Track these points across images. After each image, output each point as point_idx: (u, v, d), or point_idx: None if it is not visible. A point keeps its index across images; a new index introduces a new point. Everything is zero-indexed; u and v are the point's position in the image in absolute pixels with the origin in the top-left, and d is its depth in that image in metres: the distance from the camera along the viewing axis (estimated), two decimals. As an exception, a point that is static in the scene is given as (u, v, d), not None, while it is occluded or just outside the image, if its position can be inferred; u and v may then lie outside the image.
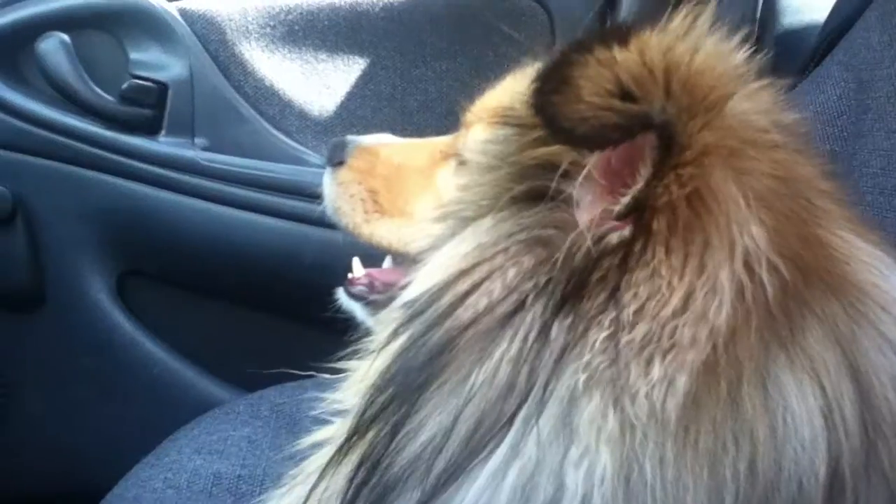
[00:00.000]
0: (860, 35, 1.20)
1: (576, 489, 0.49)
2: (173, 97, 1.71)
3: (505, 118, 0.62)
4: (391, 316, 0.64)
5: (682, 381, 0.50)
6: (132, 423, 1.70)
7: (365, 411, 0.59)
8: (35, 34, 1.66)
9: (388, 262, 1.01)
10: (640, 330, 0.51)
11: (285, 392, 1.27)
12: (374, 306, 0.94)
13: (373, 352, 0.65)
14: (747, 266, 0.52)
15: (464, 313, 0.55)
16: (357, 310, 0.97)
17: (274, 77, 1.74)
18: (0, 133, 1.71)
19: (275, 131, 1.74)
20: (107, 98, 1.70)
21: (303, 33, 1.74)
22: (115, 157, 1.72)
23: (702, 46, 0.53)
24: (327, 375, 1.16)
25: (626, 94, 0.49)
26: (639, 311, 0.51)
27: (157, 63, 1.72)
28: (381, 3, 1.73)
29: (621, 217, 0.54)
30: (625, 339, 0.51)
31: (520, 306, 0.54)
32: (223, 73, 1.72)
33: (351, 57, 1.75)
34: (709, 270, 0.51)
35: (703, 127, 0.52)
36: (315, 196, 1.67)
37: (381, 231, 0.92)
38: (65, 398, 1.83)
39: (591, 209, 0.55)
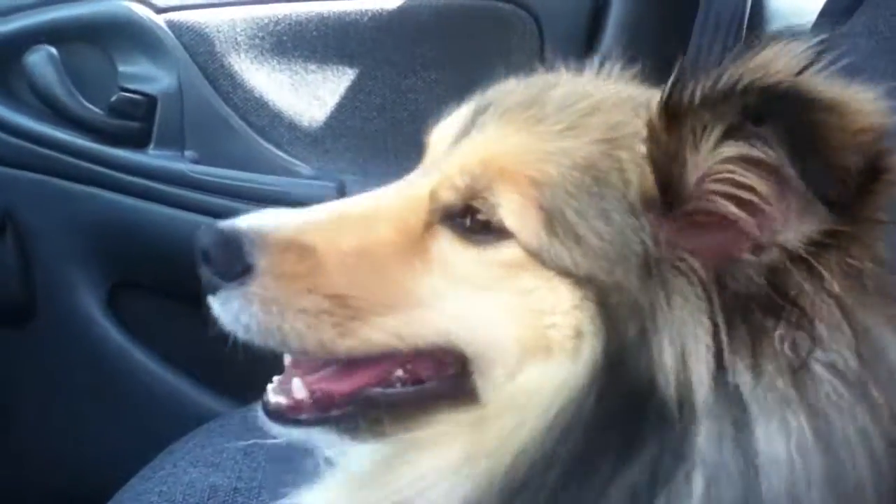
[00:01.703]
0: (848, 41, 1.21)
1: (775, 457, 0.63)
2: (162, 109, 1.72)
3: (636, 204, 0.68)
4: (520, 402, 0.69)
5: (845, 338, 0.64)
6: (127, 436, 1.70)
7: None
8: (23, 47, 1.67)
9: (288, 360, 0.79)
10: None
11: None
12: (340, 422, 0.76)
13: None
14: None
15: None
16: (318, 435, 0.78)
17: (263, 88, 1.74)
18: (-12, 147, 1.71)
19: (265, 143, 1.74)
20: (95, 111, 1.70)
21: (291, 44, 1.74)
22: (104, 170, 1.72)
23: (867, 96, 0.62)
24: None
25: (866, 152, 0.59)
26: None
27: (145, 75, 1.72)
28: (369, 14, 1.74)
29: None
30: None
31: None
32: (212, 85, 1.73)
33: (340, 67, 1.76)
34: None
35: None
36: (305, 207, 1.68)
37: (373, 337, 0.72)
38: (58, 411, 1.82)
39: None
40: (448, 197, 0.73)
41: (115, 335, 1.79)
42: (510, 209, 0.70)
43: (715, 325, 0.64)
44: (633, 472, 0.64)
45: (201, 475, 1.09)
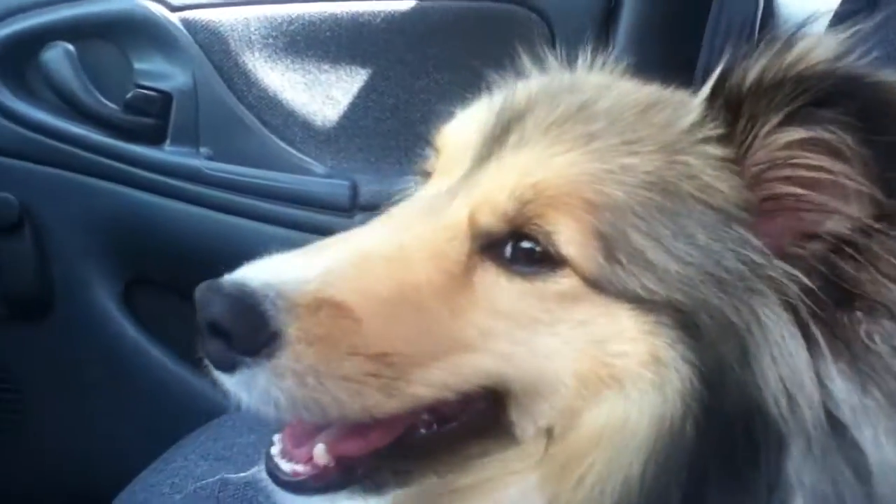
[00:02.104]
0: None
1: None
2: (177, 107, 1.74)
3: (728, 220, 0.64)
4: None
5: None
6: (139, 430, 1.72)
7: None
8: (40, 44, 1.69)
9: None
10: None
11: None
12: (367, 481, 0.68)
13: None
14: None
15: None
16: (344, 499, 0.70)
17: (277, 87, 1.76)
18: (6, 142, 1.73)
19: (278, 141, 1.76)
20: (111, 107, 1.72)
21: (305, 44, 1.76)
22: (120, 165, 1.74)
23: None
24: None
25: None
26: None
27: (161, 73, 1.74)
28: (382, 15, 1.75)
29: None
30: None
31: None
32: (227, 83, 1.75)
33: (353, 67, 1.77)
34: None
35: None
36: (318, 205, 1.70)
37: (420, 392, 0.64)
38: (72, 405, 1.85)
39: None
40: (492, 224, 0.66)
41: (129, 330, 1.81)
42: (567, 236, 0.64)
43: (807, 333, 0.61)
44: (740, 501, 0.62)
45: (212, 468, 1.11)
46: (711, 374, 0.62)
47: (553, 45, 1.75)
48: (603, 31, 1.69)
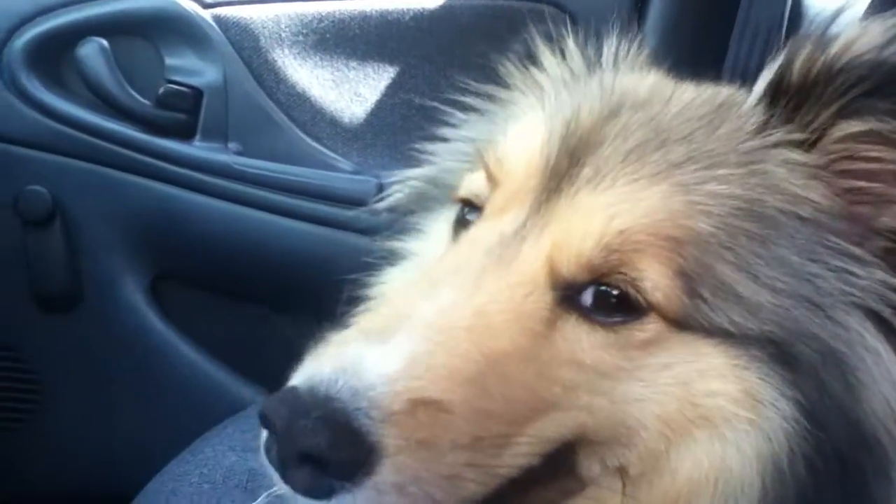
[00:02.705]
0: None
1: None
2: (208, 102, 1.76)
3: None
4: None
5: None
6: (165, 423, 1.74)
7: None
8: (75, 40, 1.72)
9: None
10: None
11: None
12: None
13: None
14: None
15: None
16: None
17: (306, 84, 1.77)
18: (39, 135, 1.76)
19: (306, 137, 1.77)
20: (143, 102, 1.75)
21: (334, 41, 1.77)
22: (150, 160, 1.76)
23: None
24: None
25: None
26: None
27: (192, 69, 1.77)
28: (410, 13, 1.76)
29: None
30: None
31: None
32: (256, 80, 1.76)
33: (381, 65, 1.78)
34: None
35: None
36: (344, 202, 1.71)
37: (515, 461, 0.60)
38: (99, 397, 1.87)
39: None
40: (574, 274, 0.62)
41: (157, 324, 1.83)
42: (654, 282, 0.60)
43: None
44: None
45: (240, 459, 1.13)
46: (815, 406, 0.59)
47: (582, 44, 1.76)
48: (631, 30, 1.68)
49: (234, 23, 1.77)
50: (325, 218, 1.70)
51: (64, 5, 1.76)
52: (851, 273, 0.60)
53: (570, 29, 1.62)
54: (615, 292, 0.61)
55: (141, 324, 1.83)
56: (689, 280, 0.60)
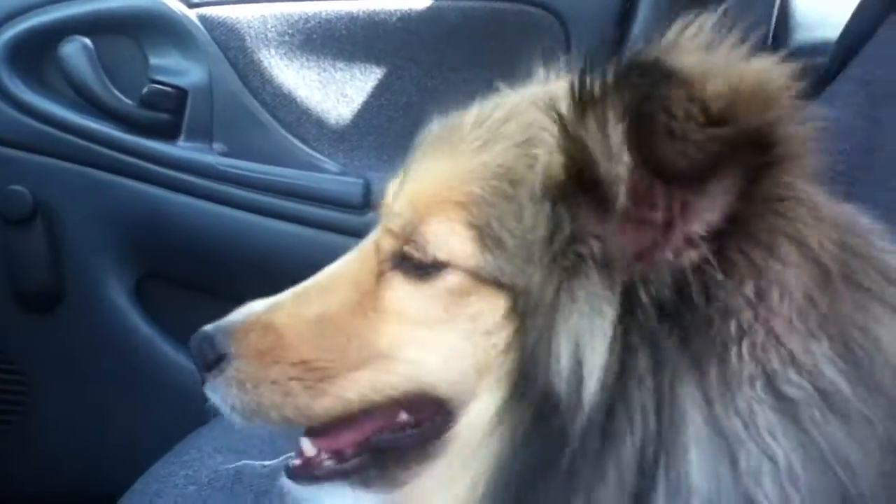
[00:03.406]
0: (874, 52, 1.22)
1: (768, 499, 0.57)
2: (192, 102, 1.74)
3: (537, 194, 0.65)
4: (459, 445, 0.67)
5: (823, 347, 0.59)
6: (150, 424, 1.72)
7: None
8: (58, 38, 1.69)
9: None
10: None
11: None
12: (351, 474, 0.78)
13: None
14: (818, 262, 0.61)
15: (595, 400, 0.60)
16: (329, 489, 0.79)
17: (292, 84, 1.77)
18: (21, 135, 1.74)
19: (292, 138, 1.76)
20: (127, 102, 1.73)
21: (321, 42, 1.76)
22: (134, 160, 1.74)
23: (753, 63, 0.59)
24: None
25: (717, 121, 0.54)
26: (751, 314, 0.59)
27: (176, 69, 1.75)
28: (397, 14, 1.76)
29: (707, 237, 0.59)
30: (744, 342, 0.59)
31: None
32: (242, 80, 1.75)
33: (368, 66, 1.78)
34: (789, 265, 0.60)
35: (784, 136, 0.58)
36: (330, 203, 1.71)
37: (347, 393, 0.74)
38: (83, 398, 1.85)
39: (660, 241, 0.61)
40: (389, 245, 0.75)
41: (140, 325, 1.81)
42: (437, 241, 0.70)
43: (626, 333, 0.60)
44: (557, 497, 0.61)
45: (226, 460, 1.11)
46: (526, 359, 0.64)
47: (568, 46, 1.77)
48: (618, 32, 1.70)
49: (219, 22, 1.75)
50: (311, 219, 1.69)
51: (47, 3, 1.74)
52: (562, 228, 0.64)
53: (557, 31, 1.63)
54: (417, 251, 0.71)
55: (125, 324, 1.81)
56: (479, 233, 0.68)
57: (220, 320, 0.80)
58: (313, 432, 0.79)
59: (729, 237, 0.59)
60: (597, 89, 0.60)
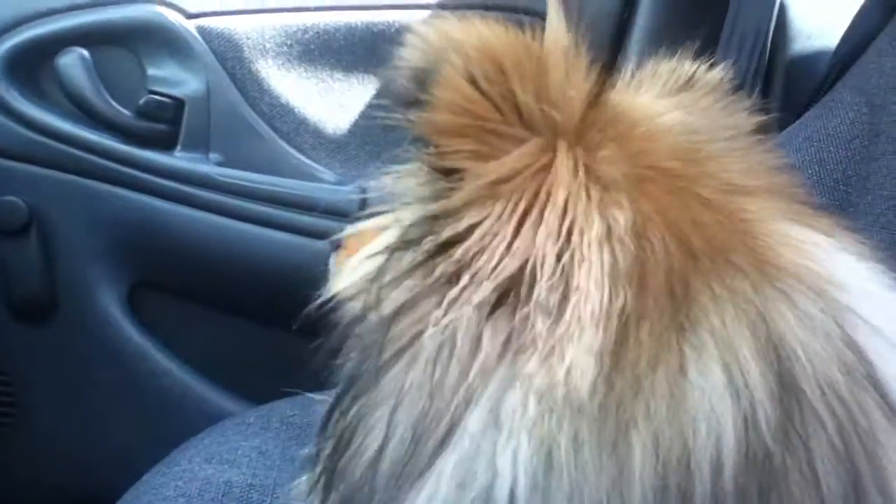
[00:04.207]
0: (872, 60, 1.21)
1: (506, 473, 0.52)
2: (189, 113, 1.74)
3: None
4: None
5: (588, 364, 0.52)
6: (142, 434, 1.70)
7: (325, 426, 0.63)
8: (55, 49, 1.69)
9: None
10: (546, 320, 0.54)
11: (295, 404, 1.27)
12: None
13: None
14: (611, 243, 0.55)
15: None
16: None
17: (290, 95, 1.76)
18: (17, 145, 1.73)
19: (289, 148, 1.76)
20: (124, 113, 1.72)
21: (319, 52, 1.76)
22: (130, 170, 1.73)
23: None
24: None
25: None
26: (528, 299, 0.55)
27: (174, 79, 1.75)
28: (396, 25, 1.76)
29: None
30: (538, 331, 0.54)
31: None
32: (239, 90, 1.75)
33: (366, 76, 1.78)
34: (575, 245, 0.55)
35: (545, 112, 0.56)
36: (327, 212, 1.70)
37: None
38: (75, 408, 1.83)
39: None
40: None
41: (134, 334, 1.80)
42: None
43: None
44: None
45: (217, 471, 1.10)
46: None
47: (566, 56, 1.76)
48: (616, 41, 1.69)
49: (217, 33, 1.75)
50: (308, 229, 1.68)
51: (44, 15, 1.74)
52: None
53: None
54: None
55: (118, 334, 1.79)
56: None
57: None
58: None
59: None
60: None
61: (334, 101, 1.77)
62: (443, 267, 0.56)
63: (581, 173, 0.56)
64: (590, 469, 0.51)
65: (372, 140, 1.78)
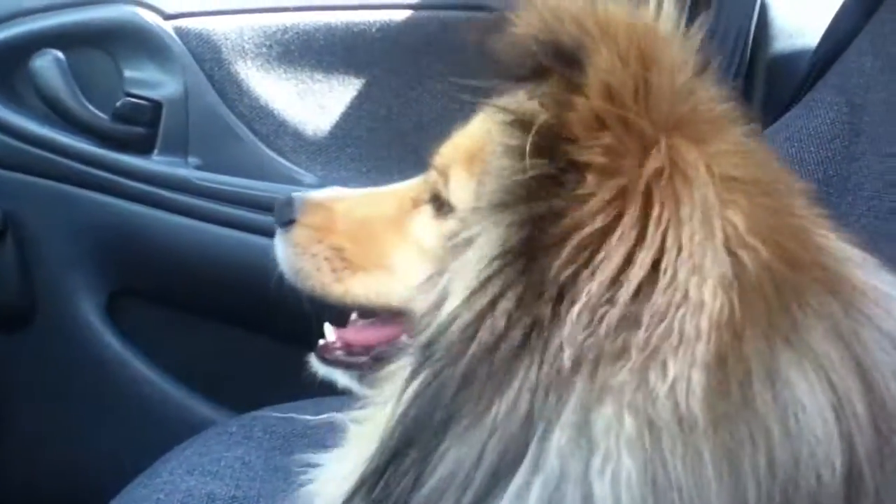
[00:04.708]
0: (853, 60, 1.21)
1: (604, 495, 0.51)
2: (167, 115, 1.71)
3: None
4: (399, 365, 0.69)
5: (697, 378, 0.52)
6: (123, 444, 1.69)
7: (380, 455, 0.61)
8: (30, 51, 1.66)
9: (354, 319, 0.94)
10: (646, 329, 0.53)
11: (279, 413, 1.26)
12: (355, 369, 0.90)
13: (382, 403, 0.70)
14: (728, 250, 0.54)
15: (477, 347, 0.56)
16: (338, 376, 0.92)
17: (269, 96, 1.74)
18: (-9, 150, 1.71)
19: (269, 151, 1.74)
20: (100, 116, 1.70)
21: (299, 53, 1.74)
22: (107, 175, 1.71)
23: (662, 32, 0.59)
24: (320, 397, 1.15)
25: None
26: (635, 303, 0.53)
27: (151, 81, 1.72)
28: (377, 24, 1.74)
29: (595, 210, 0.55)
30: (634, 340, 0.53)
31: (529, 330, 0.55)
32: (218, 92, 1.72)
33: (346, 77, 1.76)
34: (692, 252, 0.54)
35: (671, 104, 0.55)
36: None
37: (356, 288, 0.86)
38: (54, 418, 1.81)
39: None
40: (433, 181, 0.83)
41: (113, 342, 1.78)
42: (452, 187, 0.77)
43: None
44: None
45: (199, 483, 1.08)
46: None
47: (547, 57, 1.75)
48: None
49: (195, 34, 1.73)
50: (289, 233, 1.67)
51: (18, 15, 1.71)
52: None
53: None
54: (444, 190, 0.79)
55: (97, 342, 1.77)
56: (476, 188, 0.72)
57: (310, 192, 0.95)
58: (336, 323, 0.92)
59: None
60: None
61: (315, 103, 1.76)
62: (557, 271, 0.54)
63: (707, 173, 0.55)
64: (712, 489, 0.50)
65: (354, 142, 1.76)
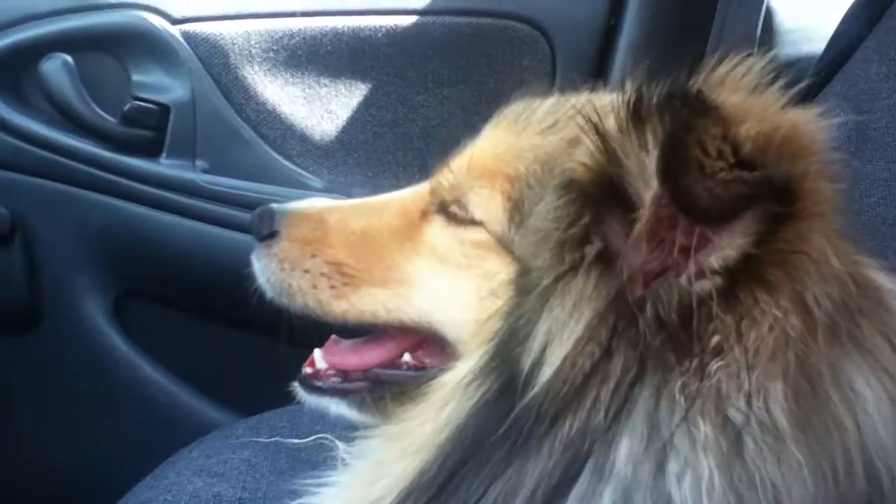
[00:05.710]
0: (858, 67, 1.21)
1: (682, 498, 0.56)
2: (175, 119, 1.72)
3: (562, 187, 0.66)
4: (445, 381, 0.71)
5: (777, 388, 0.58)
6: (129, 445, 1.69)
7: (432, 468, 0.65)
8: (38, 55, 1.67)
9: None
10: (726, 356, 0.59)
11: (284, 415, 1.26)
12: (353, 395, 0.86)
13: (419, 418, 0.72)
14: (809, 314, 0.60)
15: (568, 388, 0.61)
16: (331, 405, 0.87)
17: (276, 101, 1.75)
18: (0, 152, 1.71)
19: (276, 154, 1.75)
20: (108, 119, 1.71)
21: (305, 58, 1.75)
22: (115, 178, 1.72)
23: (791, 114, 0.60)
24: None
25: (747, 164, 0.55)
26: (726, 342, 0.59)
27: (159, 85, 1.73)
28: (383, 30, 1.75)
29: (719, 270, 0.59)
30: (714, 364, 0.59)
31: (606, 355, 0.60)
32: (225, 97, 1.74)
33: (353, 82, 1.77)
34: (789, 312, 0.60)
35: (809, 191, 0.58)
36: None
37: (362, 304, 0.82)
38: (61, 419, 1.81)
39: (674, 263, 0.60)
40: (444, 192, 0.82)
41: (120, 344, 1.78)
42: (477, 203, 0.77)
43: (608, 329, 0.61)
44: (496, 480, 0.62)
45: (206, 484, 1.09)
46: (511, 335, 0.66)
47: (553, 62, 1.76)
48: (603, 49, 1.69)
49: (203, 39, 1.74)
50: (295, 236, 1.67)
51: (27, 20, 1.72)
52: (576, 225, 0.65)
53: (542, 46, 1.63)
54: (460, 210, 0.79)
55: (104, 344, 1.78)
56: (514, 207, 0.75)
57: (286, 203, 0.90)
58: (327, 349, 0.88)
59: (739, 275, 0.59)
60: (643, 109, 0.60)
61: (321, 107, 1.76)
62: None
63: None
64: (806, 484, 0.56)
65: (360, 146, 1.77)
